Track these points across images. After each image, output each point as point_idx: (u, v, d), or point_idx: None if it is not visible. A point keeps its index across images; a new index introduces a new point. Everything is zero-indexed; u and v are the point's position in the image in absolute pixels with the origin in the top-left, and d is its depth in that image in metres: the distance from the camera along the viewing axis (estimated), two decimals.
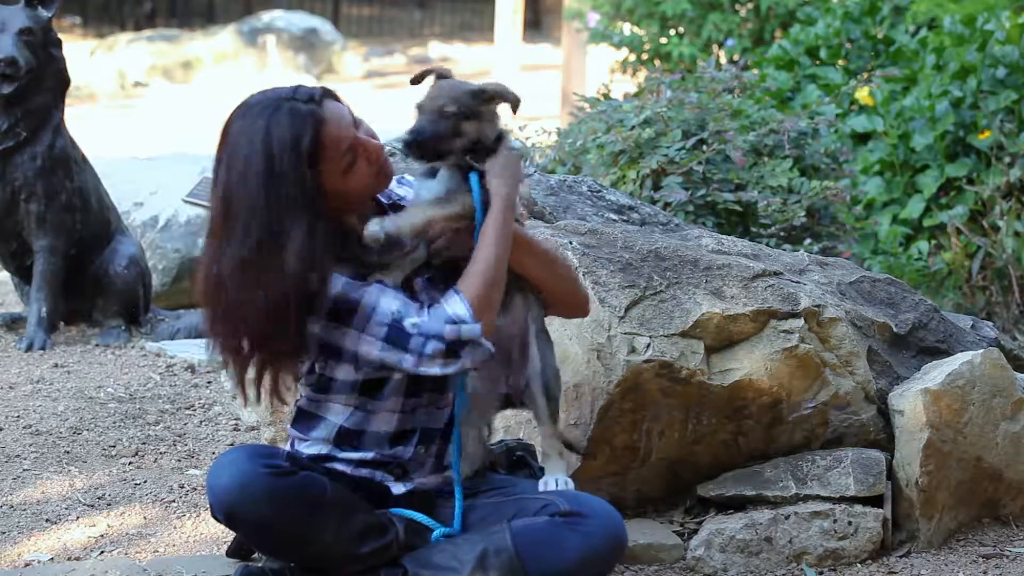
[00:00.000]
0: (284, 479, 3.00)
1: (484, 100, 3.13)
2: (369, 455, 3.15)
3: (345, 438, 3.15)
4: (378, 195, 3.21)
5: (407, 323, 2.99)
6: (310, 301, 2.99)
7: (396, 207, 3.20)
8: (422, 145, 3.11)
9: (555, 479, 3.16)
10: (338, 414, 3.15)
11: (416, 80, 3.17)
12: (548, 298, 3.25)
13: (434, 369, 3.01)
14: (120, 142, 12.18)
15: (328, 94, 3.10)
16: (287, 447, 3.23)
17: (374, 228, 3.01)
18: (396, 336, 3.00)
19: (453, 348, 2.99)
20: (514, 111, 3.15)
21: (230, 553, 3.30)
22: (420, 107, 3.13)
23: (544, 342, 3.23)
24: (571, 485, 3.16)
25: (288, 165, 2.98)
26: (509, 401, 3.26)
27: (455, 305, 3.01)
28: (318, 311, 3.00)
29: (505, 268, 3.09)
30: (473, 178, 3.13)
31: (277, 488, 2.99)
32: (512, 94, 3.15)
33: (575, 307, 3.34)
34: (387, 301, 3.01)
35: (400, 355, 3.01)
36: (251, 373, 3.07)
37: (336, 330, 3.03)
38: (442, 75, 3.17)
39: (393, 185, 3.25)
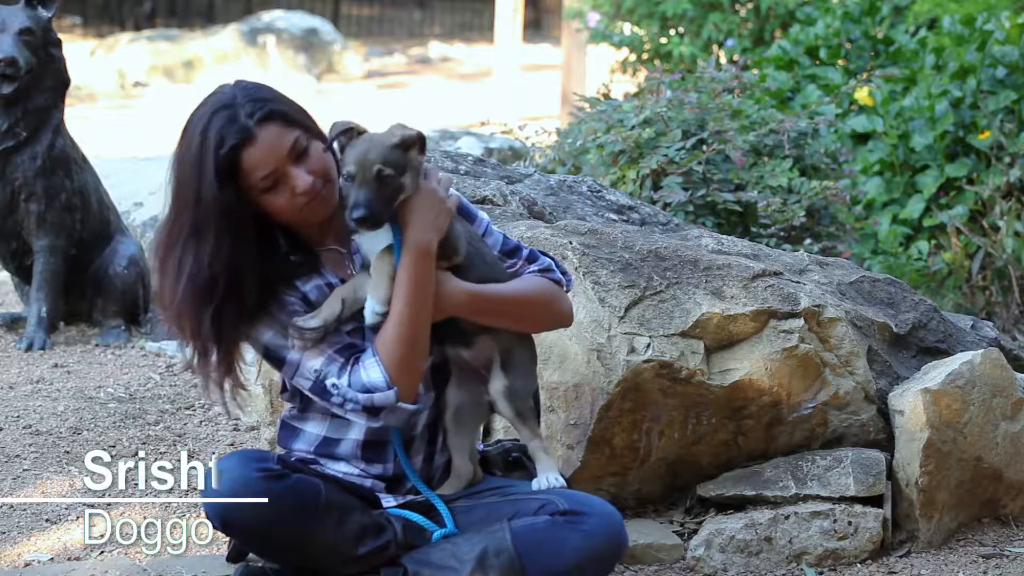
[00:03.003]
0: (278, 482, 3.00)
1: (406, 149, 3.03)
2: (354, 471, 3.15)
3: (323, 446, 3.17)
4: None
5: (328, 383, 3.03)
6: (227, 299, 3.01)
7: None
8: (374, 217, 3.01)
9: (546, 477, 3.15)
10: (316, 425, 3.18)
11: (329, 146, 3.07)
12: (523, 330, 3.20)
13: (360, 420, 3.06)
14: (120, 142, 12.17)
15: (280, 118, 3.06)
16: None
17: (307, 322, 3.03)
18: (320, 390, 3.06)
19: (371, 411, 3.03)
20: (422, 150, 3.04)
21: (230, 558, 3.29)
22: (352, 175, 3.00)
23: (520, 356, 3.18)
24: (562, 481, 3.15)
25: (209, 167, 3.02)
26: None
27: (371, 371, 3.02)
28: (240, 311, 3.02)
29: (422, 322, 3.02)
30: (395, 230, 3.04)
31: (272, 492, 2.99)
32: (416, 133, 3.05)
33: (556, 326, 3.29)
34: (309, 359, 3.04)
35: (327, 401, 3.07)
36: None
37: (275, 367, 3.12)
38: (349, 131, 3.04)
39: None
